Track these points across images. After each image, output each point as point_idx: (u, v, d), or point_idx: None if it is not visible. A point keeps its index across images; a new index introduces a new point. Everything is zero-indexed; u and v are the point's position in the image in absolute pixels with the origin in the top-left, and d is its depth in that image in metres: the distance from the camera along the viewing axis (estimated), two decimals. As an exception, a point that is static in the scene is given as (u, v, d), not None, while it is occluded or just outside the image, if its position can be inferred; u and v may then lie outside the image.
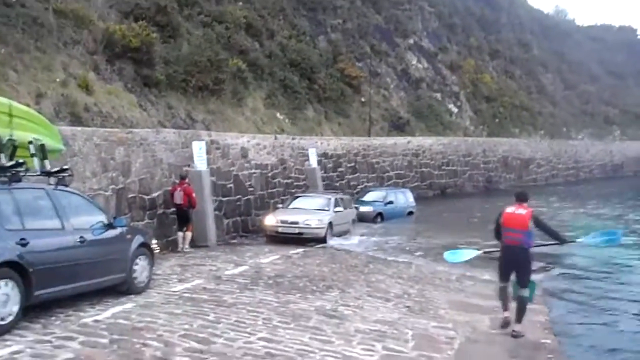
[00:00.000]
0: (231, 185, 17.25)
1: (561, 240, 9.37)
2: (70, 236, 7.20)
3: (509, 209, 8.13)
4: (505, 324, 8.09)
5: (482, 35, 55.35)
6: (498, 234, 8.29)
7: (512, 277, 8.11)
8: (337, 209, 18.29)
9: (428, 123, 39.79)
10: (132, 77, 20.28)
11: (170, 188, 13.84)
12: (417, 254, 15.97)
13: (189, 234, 13.90)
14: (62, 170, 7.60)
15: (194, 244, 14.19)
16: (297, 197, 19.37)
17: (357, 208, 23.27)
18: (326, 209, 17.98)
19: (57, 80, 16.93)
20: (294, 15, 35.53)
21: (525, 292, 7.94)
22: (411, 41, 45.22)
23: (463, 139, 40.15)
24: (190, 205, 13.74)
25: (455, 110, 44.74)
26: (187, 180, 13.91)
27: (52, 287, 6.88)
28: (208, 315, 7.41)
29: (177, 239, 13.86)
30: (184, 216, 13.80)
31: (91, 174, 10.92)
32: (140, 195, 12.63)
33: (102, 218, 8.06)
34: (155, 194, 13.23)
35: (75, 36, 18.87)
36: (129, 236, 8.43)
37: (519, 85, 55.69)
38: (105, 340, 6.21)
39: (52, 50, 17.68)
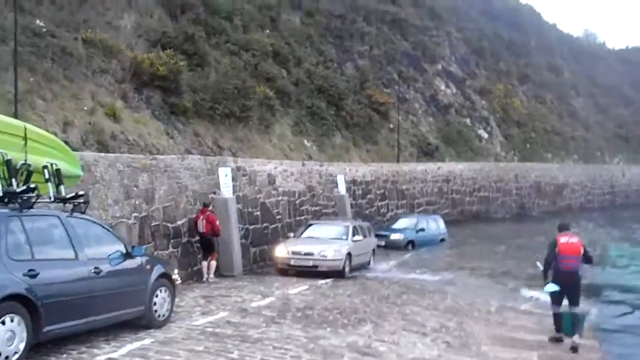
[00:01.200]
0: (258, 212, 16.77)
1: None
2: (84, 267, 6.73)
3: (563, 239, 9.01)
4: (573, 348, 8.53)
5: (511, 60, 54.67)
6: (549, 262, 8.93)
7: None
8: (356, 237, 16.49)
9: (458, 149, 39.09)
10: (160, 105, 20.22)
11: (194, 216, 13.50)
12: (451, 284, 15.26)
13: (213, 263, 13.51)
14: (78, 196, 7.13)
15: (219, 273, 13.75)
16: (311, 224, 17.62)
17: (387, 236, 22.76)
18: (344, 237, 16.22)
19: (85, 108, 16.91)
20: (321, 42, 35.47)
21: (579, 310, 8.85)
22: (439, 67, 44.82)
23: (495, 165, 39.32)
24: (213, 233, 13.45)
25: (485, 135, 43.96)
26: (210, 208, 13.67)
27: (64, 322, 6.38)
28: (232, 353, 6.80)
29: (201, 268, 13.46)
30: (207, 245, 13.48)
31: (113, 201, 10.59)
32: (164, 223, 12.25)
33: (120, 247, 7.60)
34: (179, 222, 12.84)
35: (103, 65, 18.92)
36: (148, 266, 7.92)
37: (550, 109, 54.67)
38: (117, 383, 5.66)
39: (80, 79, 17.72)
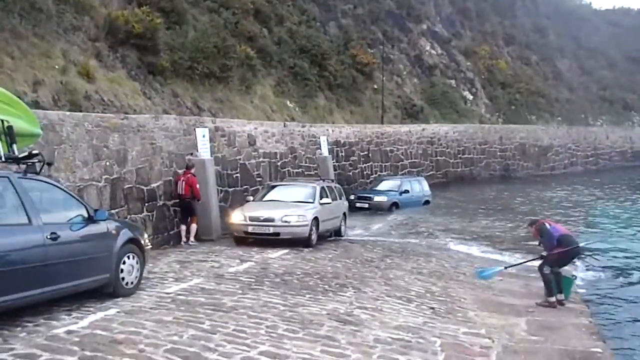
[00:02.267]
0: (237, 174, 16.23)
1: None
2: (38, 233, 6.10)
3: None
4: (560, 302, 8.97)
5: (497, 21, 53.95)
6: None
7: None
8: (324, 200, 14.44)
9: (442, 110, 38.70)
10: (136, 65, 19.50)
11: (175, 177, 13.08)
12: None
13: (194, 227, 13.15)
14: (32, 156, 6.44)
15: (198, 237, 13.32)
16: (274, 186, 15.49)
17: (370, 198, 22.49)
18: (310, 200, 14.17)
19: (56, 67, 16.18)
20: (304, 1, 34.51)
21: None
22: (424, 27, 44.05)
23: (479, 126, 39.03)
24: (193, 196, 13.05)
25: (470, 97, 43.57)
26: (192, 171, 13.28)
27: (15, 293, 5.80)
28: (203, 323, 6.30)
29: (179, 231, 13.05)
30: (186, 208, 13.08)
31: (82, 162, 9.98)
32: (137, 186, 11.67)
33: (82, 211, 6.98)
34: (154, 185, 12.29)
35: (75, 22, 18.09)
36: (114, 231, 7.34)
37: (535, 71, 54.29)
38: (73, 358, 5.11)
39: (51, 37, 16.90)
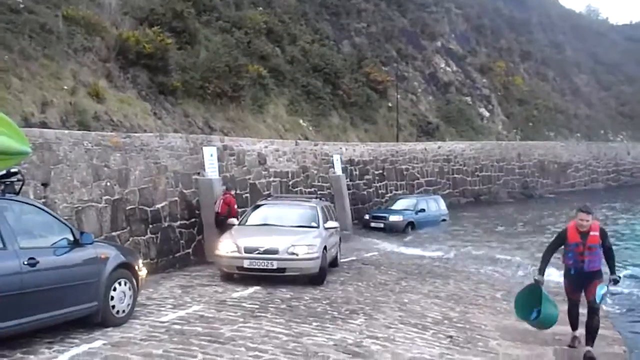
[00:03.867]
0: (247, 194, 15.83)
1: None
2: (14, 259, 5.63)
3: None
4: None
5: (512, 37, 53.47)
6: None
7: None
8: (330, 224, 12.19)
9: (458, 128, 38.15)
10: (147, 85, 19.37)
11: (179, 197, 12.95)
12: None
13: None
14: (10, 175, 6.03)
15: (204, 260, 12.92)
16: (260, 205, 12.86)
17: (385, 217, 21.97)
18: (313, 224, 11.76)
19: (65, 88, 16.04)
20: (317, 20, 34.41)
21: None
22: (439, 44, 43.73)
23: (497, 143, 38.37)
24: (229, 214, 13.15)
25: (486, 114, 42.98)
26: (232, 192, 14.07)
27: None
28: (195, 357, 5.78)
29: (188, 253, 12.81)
30: (220, 224, 13.17)
31: (80, 183, 9.64)
32: (140, 206, 11.32)
33: (67, 235, 6.53)
34: (159, 206, 11.93)
35: (86, 43, 18.02)
36: (102, 255, 6.85)
37: (552, 87, 53.60)
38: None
39: (61, 58, 16.82)
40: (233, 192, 14.04)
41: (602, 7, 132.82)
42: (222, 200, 13.50)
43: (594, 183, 46.09)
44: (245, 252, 10.42)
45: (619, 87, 62.85)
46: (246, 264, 10.34)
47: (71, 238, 6.53)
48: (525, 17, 58.55)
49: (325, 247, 11.15)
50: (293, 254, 10.48)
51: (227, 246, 10.71)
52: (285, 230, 11.32)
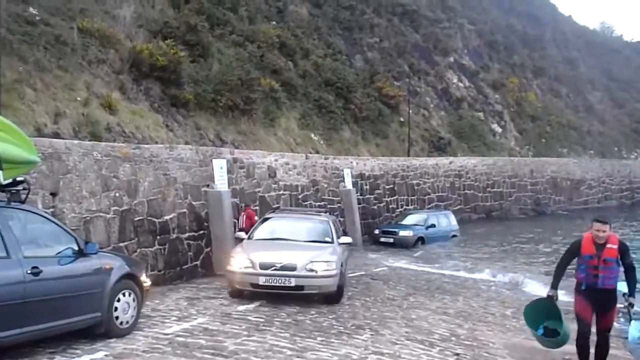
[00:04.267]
0: (257, 207, 15.85)
1: None
2: (17, 268, 5.61)
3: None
4: None
5: (525, 53, 53.42)
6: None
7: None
8: (344, 239, 11.61)
9: (470, 143, 38.04)
10: (159, 97, 19.54)
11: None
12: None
13: None
14: (17, 183, 6.01)
15: (212, 272, 12.89)
16: (268, 218, 12.17)
17: (395, 232, 21.86)
18: (328, 239, 11.16)
19: (78, 99, 16.20)
20: (329, 35, 34.60)
21: None
22: (451, 59, 43.76)
23: (509, 159, 38.17)
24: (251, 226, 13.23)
25: (499, 130, 42.84)
26: (251, 207, 14.73)
27: None
28: None
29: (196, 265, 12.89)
30: None
31: (89, 193, 9.67)
32: (149, 218, 11.32)
33: (72, 244, 6.50)
34: (167, 217, 11.92)
35: (100, 55, 18.23)
36: (107, 266, 6.81)
37: (565, 103, 53.39)
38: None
39: (75, 69, 17.01)
40: (252, 207, 14.64)
41: (617, 24, 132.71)
42: (244, 215, 14.10)
43: (608, 200, 45.66)
44: (260, 268, 9.67)
45: (633, 104, 62.49)
46: (262, 280, 9.58)
47: (76, 248, 6.51)
48: (538, 34, 58.52)
49: (342, 264, 10.59)
50: (312, 270, 9.77)
51: (240, 261, 9.91)
52: (300, 245, 10.70)
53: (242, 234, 11.49)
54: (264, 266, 9.71)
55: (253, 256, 9.93)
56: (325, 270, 9.85)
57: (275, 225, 11.71)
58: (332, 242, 11.07)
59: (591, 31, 77.69)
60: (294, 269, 9.70)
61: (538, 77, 53.15)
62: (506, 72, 48.54)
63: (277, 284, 9.62)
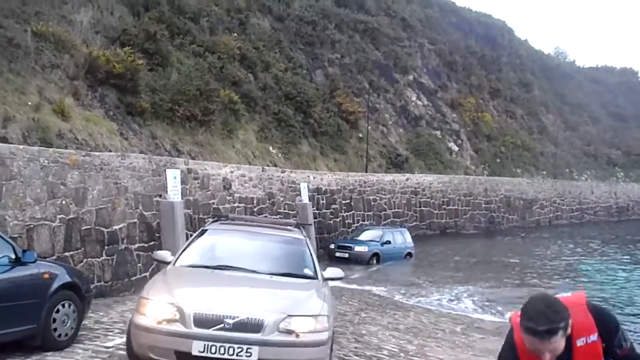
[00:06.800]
0: (210, 219, 15.66)
1: None
2: None
3: None
4: None
5: (482, 74, 54.67)
6: None
7: None
8: (331, 273, 7.17)
9: (427, 161, 38.59)
10: (115, 105, 19.18)
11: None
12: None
13: None
14: None
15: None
16: (207, 230, 7.79)
17: (351, 248, 21.89)
18: (308, 272, 6.97)
19: (29, 103, 15.75)
20: (291, 49, 34.73)
21: None
22: (411, 78, 44.43)
23: (464, 177, 38.85)
24: None
25: (455, 148, 43.61)
26: None
27: None
28: None
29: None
30: None
31: (33, 200, 9.35)
32: (97, 227, 11.04)
33: (8, 252, 6.17)
34: (116, 227, 11.64)
35: (54, 60, 17.82)
36: (46, 275, 6.49)
37: (520, 125, 54.76)
38: None
39: (27, 73, 16.58)
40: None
41: (570, 49, 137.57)
42: None
43: (558, 220, 46.89)
44: (196, 325, 5.42)
45: (585, 127, 64.57)
46: (196, 349, 5.35)
47: (12, 256, 6.25)
48: (495, 56, 60.00)
49: (328, 319, 6.01)
50: (290, 332, 5.53)
51: (157, 309, 5.59)
52: (263, 281, 6.47)
53: (165, 255, 7.22)
54: (202, 321, 5.44)
55: (183, 300, 5.63)
56: (311, 332, 5.62)
57: (220, 243, 7.39)
58: (314, 278, 6.80)
59: (546, 55, 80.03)
60: (257, 328, 5.45)
61: (494, 98, 54.41)
62: (464, 92, 49.54)
63: (225, 357, 5.34)
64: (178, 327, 5.48)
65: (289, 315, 5.61)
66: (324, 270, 7.18)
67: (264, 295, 6.18)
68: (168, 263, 6.91)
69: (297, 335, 5.54)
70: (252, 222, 8.80)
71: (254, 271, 6.59)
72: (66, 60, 18.23)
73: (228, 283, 6.39)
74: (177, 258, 6.94)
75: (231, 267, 6.68)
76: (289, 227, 8.35)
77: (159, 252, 7.53)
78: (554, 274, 21.35)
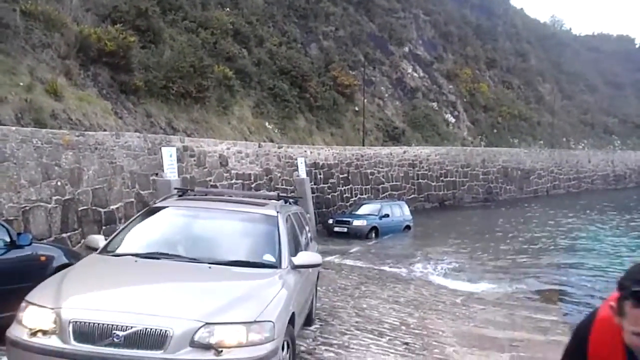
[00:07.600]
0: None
1: None
2: None
3: None
4: None
5: (478, 44, 54.23)
6: None
7: None
8: (303, 257, 5.73)
9: (424, 133, 38.44)
10: (108, 83, 18.93)
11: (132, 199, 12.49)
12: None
13: None
14: None
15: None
16: (157, 209, 6.29)
17: (349, 222, 21.89)
18: (269, 259, 5.48)
19: (21, 84, 15.53)
20: (284, 22, 34.27)
21: None
22: (406, 49, 44.01)
23: (462, 149, 38.77)
24: None
25: (452, 120, 43.42)
26: None
27: None
28: None
29: None
30: None
31: (28, 182, 9.24)
32: (93, 207, 10.95)
33: (2, 235, 6.09)
34: (113, 207, 11.56)
35: (45, 39, 17.51)
36: (43, 257, 6.42)
37: (517, 95, 54.51)
38: None
39: (17, 53, 16.30)
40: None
41: (566, 18, 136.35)
42: None
43: (556, 189, 46.97)
44: (75, 339, 4.08)
45: (581, 96, 64.35)
46: None
47: (7, 239, 6.18)
48: (491, 26, 59.47)
49: (293, 316, 5.04)
50: (207, 347, 4.13)
51: (33, 316, 4.35)
52: (197, 273, 5.10)
53: (96, 240, 5.77)
54: (85, 334, 4.09)
55: (66, 303, 4.30)
56: (241, 345, 4.19)
57: (165, 224, 6.09)
58: (276, 266, 5.40)
59: (542, 24, 79.42)
60: (159, 343, 4.06)
61: (490, 69, 54.06)
62: (460, 63, 49.17)
63: None
64: (53, 342, 4.05)
65: (208, 324, 4.13)
66: (308, 252, 6.11)
67: (182, 294, 4.64)
68: (95, 249, 5.58)
69: (219, 352, 4.05)
70: (222, 196, 7.69)
71: (194, 259, 5.20)
72: (57, 39, 17.94)
73: (143, 278, 4.90)
74: (107, 244, 5.60)
75: (166, 254, 5.29)
76: (266, 202, 6.78)
77: (92, 236, 5.94)
78: (553, 246, 21.42)
